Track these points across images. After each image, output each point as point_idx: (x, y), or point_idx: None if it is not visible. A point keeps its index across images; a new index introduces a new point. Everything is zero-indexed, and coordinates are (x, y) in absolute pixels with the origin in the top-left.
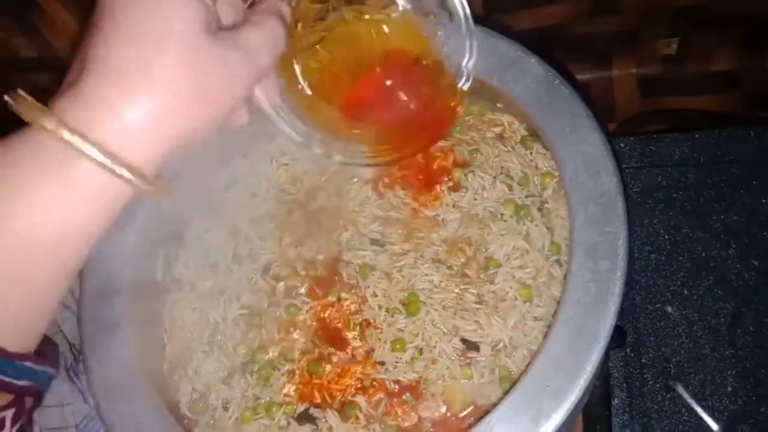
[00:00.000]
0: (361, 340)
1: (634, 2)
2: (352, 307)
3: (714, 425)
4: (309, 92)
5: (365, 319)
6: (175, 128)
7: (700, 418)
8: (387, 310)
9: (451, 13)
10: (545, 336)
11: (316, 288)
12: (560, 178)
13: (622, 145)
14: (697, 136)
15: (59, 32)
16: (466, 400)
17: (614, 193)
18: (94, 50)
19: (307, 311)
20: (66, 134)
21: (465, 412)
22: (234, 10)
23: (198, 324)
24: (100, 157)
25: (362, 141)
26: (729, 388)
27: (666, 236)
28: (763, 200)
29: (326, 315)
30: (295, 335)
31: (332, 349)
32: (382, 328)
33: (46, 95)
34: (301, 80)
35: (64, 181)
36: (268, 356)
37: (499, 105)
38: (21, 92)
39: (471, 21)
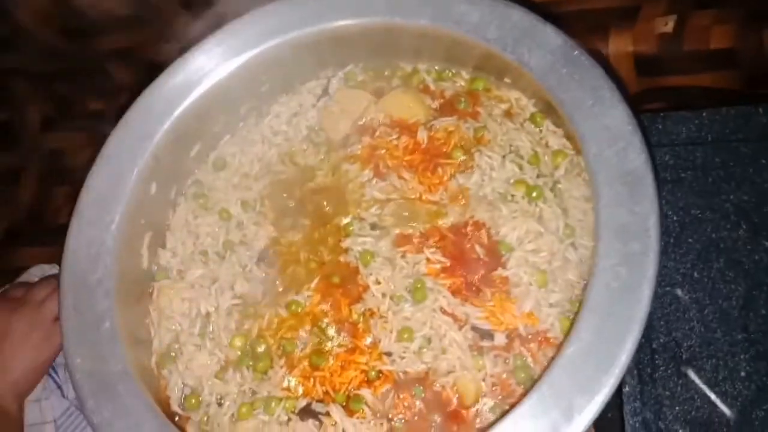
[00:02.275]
0: (364, 330)
1: None
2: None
3: (727, 411)
4: None
5: (368, 309)
6: None
7: (714, 404)
8: (392, 298)
9: None
10: (572, 323)
11: (328, 289)
12: (582, 154)
13: None
14: (704, 114)
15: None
16: (480, 392)
17: (643, 170)
18: None
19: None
20: None
21: (480, 405)
22: None
23: (188, 315)
24: None
25: None
26: (742, 373)
27: (675, 218)
28: None
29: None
30: (294, 325)
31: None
32: (387, 317)
33: None
34: None
35: None
36: (265, 348)
37: (506, 80)
38: None
39: None
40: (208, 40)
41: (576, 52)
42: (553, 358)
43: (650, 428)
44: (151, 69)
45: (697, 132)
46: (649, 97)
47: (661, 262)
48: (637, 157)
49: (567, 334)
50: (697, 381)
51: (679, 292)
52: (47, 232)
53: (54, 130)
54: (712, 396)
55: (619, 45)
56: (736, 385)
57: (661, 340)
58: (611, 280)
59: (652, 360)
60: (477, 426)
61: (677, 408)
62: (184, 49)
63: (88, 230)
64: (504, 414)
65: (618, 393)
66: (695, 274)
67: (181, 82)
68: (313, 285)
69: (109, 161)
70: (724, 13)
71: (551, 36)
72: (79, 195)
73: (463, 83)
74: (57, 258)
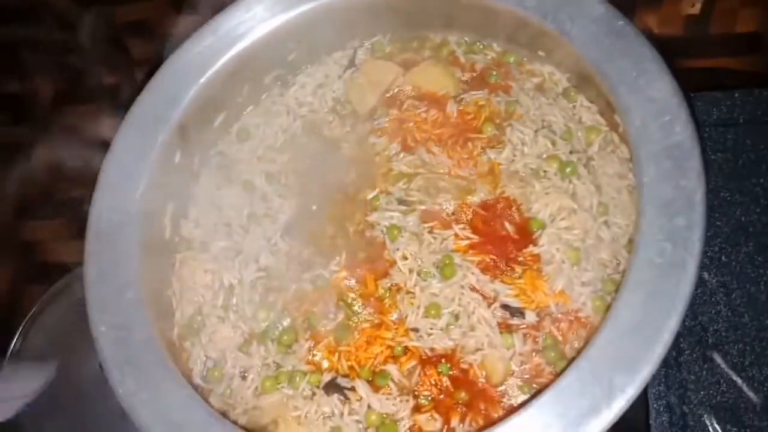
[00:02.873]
0: (390, 306)
1: None
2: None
3: (754, 397)
4: None
5: (395, 284)
6: None
7: (740, 389)
8: (419, 274)
9: None
10: (613, 300)
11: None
12: (625, 127)
13: None
14: (736, 95)
15: None
16: (508, 371)
17: (690, 144)
18: None
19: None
20: None
21: (508, 384)
22: None
23: (211, 287)
24: None
25: None
26: None
27: None
28: None
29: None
30: (320, 299)
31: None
32: (414, 293)
33: None
34: None
35: None
36: (290, 321)
37: (540, 53)
38: None
39: None
40: (236, 4)
41: (620, 22)
42: (591, 335)
43: (674, 412)
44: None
45: (728, 113)
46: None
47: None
48: (683, 131)
49: (607, 309)
50: (723, 365)
51: (706, 275)
52: (58, 205)
53: (67, 104)
54: (738, 381)
55: (645, 27)
56: (763, 371)
57: (687, 324)
58: (655, 256)
59: (677, 344)
60: (504, 405)
61: (702, 392)
62: (202, 22)
63: (112, 198)
64: (538, 392)
65: None
66: (723, 258)
67: (209, 47)
68: (339, 260)
69: (134, 127)
70: None
71: (593, 4)
72: (103, 161)
73: (494, 55)
74: (67, 231)
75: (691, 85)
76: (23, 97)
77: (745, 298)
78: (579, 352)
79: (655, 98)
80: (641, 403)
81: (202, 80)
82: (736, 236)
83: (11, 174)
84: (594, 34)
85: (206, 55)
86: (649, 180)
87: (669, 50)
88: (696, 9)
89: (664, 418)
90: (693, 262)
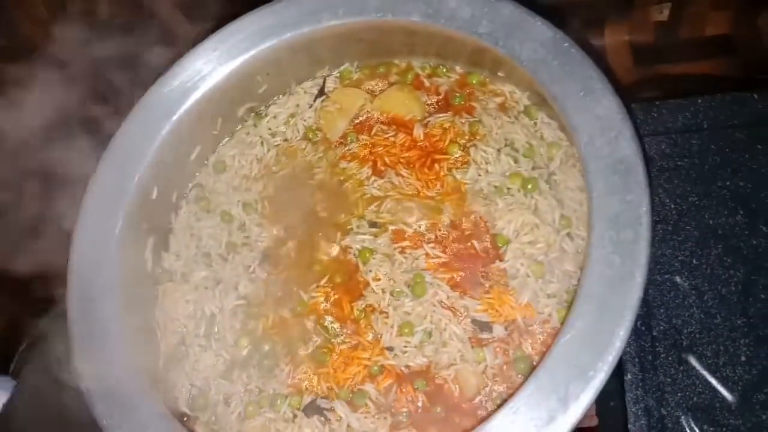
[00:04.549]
0: (365, 326)
1: None
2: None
3: (729, 396)
4: None
5: (369, 305)
6: None
7: (715, 389)
8: (392, 294)
9: None
10: (567, 312)
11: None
12: (574, 145)
13: None
14: (699, 101)
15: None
16: (481, 384)
17: (634, 158)
18: None
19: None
20: None
21: (482, 397)
22: None
23: (193, 317)
24: None
25: None
26: (743, 358)
27: (672, 205)
28: None
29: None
30: (298, 324)
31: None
32: (387, 313)
33: None
34: None
35: None
36: (270, 347)
37: (500, 74)
38: None
39: None
40: (204, 43)
41: (566, 44)
42: (549, 347)
43: (652, 415)
44: (148, 75)
45: (692, 119)
46: (646, 86)
47: (653, 249)
48: (628, 146)
49: (563, 322)
50: (698, 367)
51: (678, 279)
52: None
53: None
54: (713, 381)
55: (616, 35)
56: (737, 370)
57: (662, 328)
58: (605, 268)
59: (653, 347)
60: (479, 417)
61: (679, 394)
62: (180, 53)
63: (92, 236)
64: (503, 404)
65: (620, 381)
66: (694, 261)
67: (178, 86)
68: (315, 285)
69: (110, 167)
70: None
71: (541, 29)
72: (82, 201)
73: (457, 77)
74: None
75: (664, 90)
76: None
77: (716, 299)
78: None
79: (600, 116)
80: (620, 407)
81: (174, 118)
82: (705, 239)
83: None
84: (542, 56)
85: (177, 93)
86: (598, 195)
87: (641, 57)
88: (664, 15)
89: (642, 422)
90: (640, 273)
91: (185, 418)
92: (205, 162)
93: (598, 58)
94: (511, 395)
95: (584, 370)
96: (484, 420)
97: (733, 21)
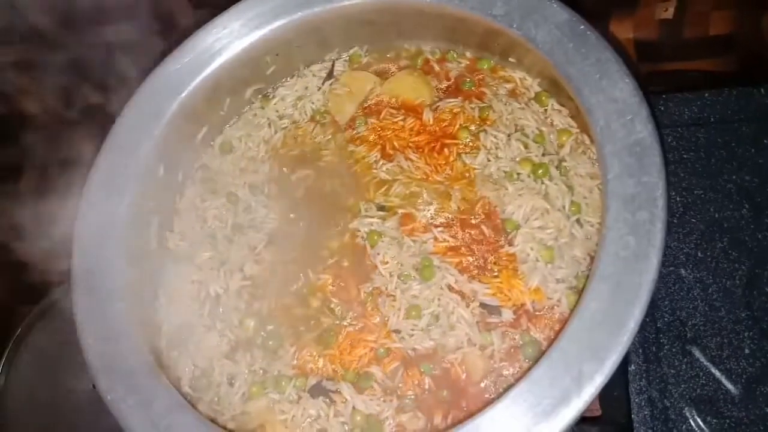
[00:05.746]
0: (372, 309)
1: None
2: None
3: (732, 388)
4: None
5: (376, 288)
6: None
7: (719, 382)
8: (399, 277)
9: None
10: (581, 292)
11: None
12: (589, 128)
13: None
14: (706, 95)
15: None
16: (488, 368)
17: (650, 140)
18: None
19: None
20: None
21: (488, 380)
22: None
23: (197, 297)
24: None
25: None
26: (746, 350)
27: (678, 198)
28: None
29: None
30: (304, 306)
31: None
32: (395, 296)
33: None
34: None
35: None
36: (275, 328)
37: (511, 59)
38: None
39: None
40: (213, 22)
41: (582, 27)
42: (562, 327)
43: (656, 406)
44: (155, 61)
45: (699, 113)
46: (649, 83)
47: (667, 232)
48: (644, 128)
49: (577, 302)
50: (702, 359)
51: (683, 271)
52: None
53: (54, 124)
54: (717, 373)
55: (620, 31)
56: (741, 363)
57: (666, 319)
58: (620, 249)
59: (657, 339)
60: (486, 401)
61: (682, 386)
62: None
63: (97, 213)
64: (509, 388)
65: (623, 372)
66: (699, 254)
67: (188, 64)
68: (322, 266)
69: (117, 143)
70: None
71: (557, 11)
72: (87, 177)
73: (468, 62)
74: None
75: (668, 86)
76: (9, 117)
77: (721, 292)
78: (551, 344)
79: (616, 98)
80: (623, 398)
81: (183, 95)
82: (710, 232)
83: None
84: (558, 39)
85: (186, 71)
86: (613, 176)
87: (645, 54)
88: (669, 13)
89: (645, 413)
90: (655, 254)
91: (188, 398)
92: (212, 143)
93: (613, 42)
94: (518, 379)
95: (598, 350)
96: (489, 402)
97: (737, 20)
